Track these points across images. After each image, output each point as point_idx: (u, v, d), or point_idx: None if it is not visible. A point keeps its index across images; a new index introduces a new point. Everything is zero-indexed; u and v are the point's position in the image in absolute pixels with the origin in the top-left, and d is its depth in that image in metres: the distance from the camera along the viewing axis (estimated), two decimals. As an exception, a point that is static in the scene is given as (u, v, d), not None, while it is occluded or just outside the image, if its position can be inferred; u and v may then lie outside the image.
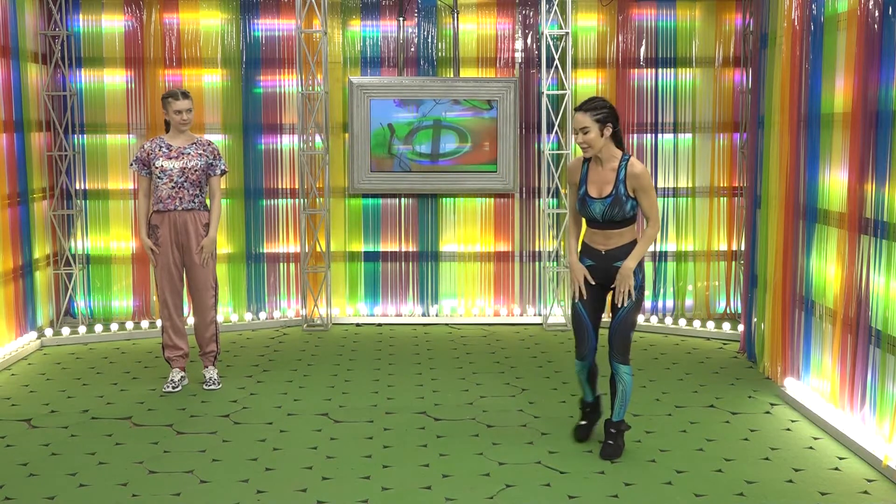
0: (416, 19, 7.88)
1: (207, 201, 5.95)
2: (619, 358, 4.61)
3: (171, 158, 5.78)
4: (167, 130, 5.89)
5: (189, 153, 5.82)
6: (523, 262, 8.07)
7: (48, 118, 7.56)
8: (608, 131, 4.51)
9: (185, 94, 5.82)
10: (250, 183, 7.91)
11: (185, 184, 5.77)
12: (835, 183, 5.26)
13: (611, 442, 4.66)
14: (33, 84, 7.32)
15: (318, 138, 7.82)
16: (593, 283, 4.65)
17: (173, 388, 5.81)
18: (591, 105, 4.52)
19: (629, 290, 4.52)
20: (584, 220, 4.73)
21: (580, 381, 4.85)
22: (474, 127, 7.80)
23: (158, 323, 7.52)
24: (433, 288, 8.12)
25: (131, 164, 5.89)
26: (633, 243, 4.59)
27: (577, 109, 4.56)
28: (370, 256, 8.10)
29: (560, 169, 7.75)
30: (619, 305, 4.57)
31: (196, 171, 5.80)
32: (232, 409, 5.50)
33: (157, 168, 5.76)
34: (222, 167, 5.94)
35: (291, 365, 6.56)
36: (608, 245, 4.59)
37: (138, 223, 5.91)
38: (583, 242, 4.75)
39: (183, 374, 5.92)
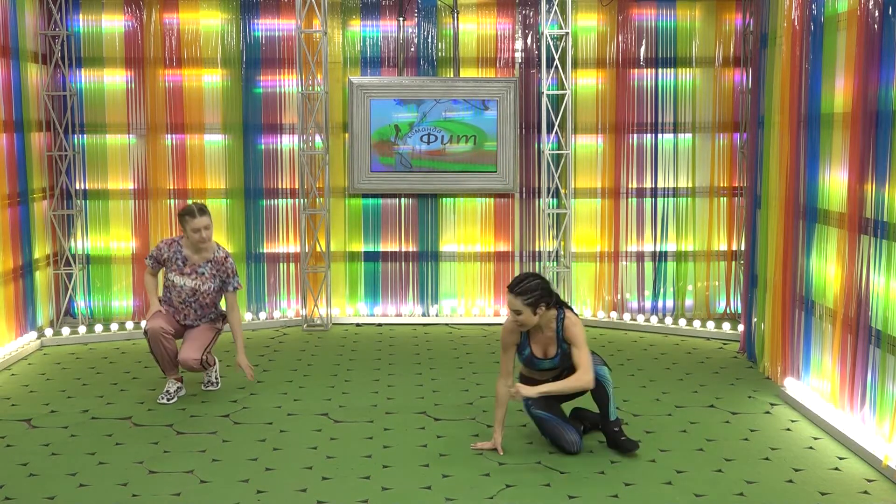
0: (416, 19, 7.88)
1: (223, 303, 5.86)
2: (596, 359, 4.71)
3: (184, 275, 5.65)
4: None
5: (204, 273, 5.67)
6: (523, 262, 8.06)
7: (48, 118, 7.56)
8: (541, 310, 4.59)
9: (203, 210, 5.59)
10: (250, 183, 7.91)
11: (193, 304, 5.69)
12: (835, 183, 5.26)
13: (624, 437, 4.69)
14: (33, 84, 7.32)
15: (318, 138, 7.82)
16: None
17: (168, 399, 5.62)
18: (522, 288, 4.55)
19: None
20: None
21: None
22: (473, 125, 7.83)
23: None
24: (433, 288, 8.12)
25: (147, 259, 5.79)
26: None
27: (509, 290, 4.60)
28: (370, 256, 8.10)
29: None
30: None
31: (209, 294, 5.69)
32: (232, 409, 5.50)
33: (168, 280, 5.67)
34: (235, 284, 5.76)
35: (291, 365, 6.56)
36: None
37: (147, 296, 5.78)
38: (529, 379, 4.84)
39: (179, 384, 5.72)
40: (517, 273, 8.04)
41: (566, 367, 4.72)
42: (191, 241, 5.63)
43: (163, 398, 5.63)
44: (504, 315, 8.05)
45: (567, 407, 4.99)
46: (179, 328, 5.73)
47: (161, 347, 5.58)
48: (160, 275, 5.87)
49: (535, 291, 4.55)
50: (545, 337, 4.71)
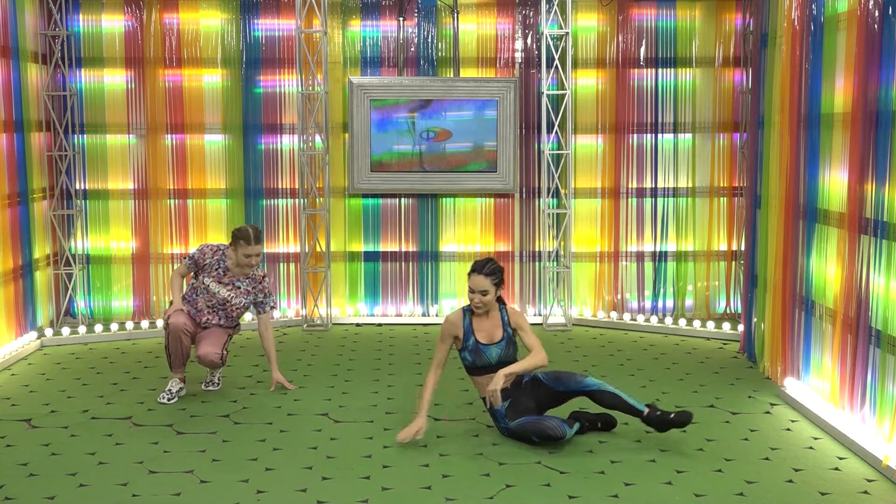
0: (416, 19, 7.88)
1: (242, 320, 5.92)
2: (580, 376, 4.90)
3: (221, 284, 5.69)
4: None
5: (240, 287, 5.72)
6: (523, 262, 8.07)
7: (48, 118, 7.56)
8: (500, 291, 4.92)
9: (258, 238, 5.62)
10: (250, 183, 7.91)
11: (220, 311, 5.73)
12: (835, 183, 5.26)
13: (673, 414, 4.75)
14: (33, 84, 7.32)
15: (318, 138, 7.83)
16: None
17: (169, 399, 5.61)
18: (488, 269, 4.86)
19: (498, 393, 4.73)
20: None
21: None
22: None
23: (159, 323, 7.54)
24: (433, 288, 8.12)
25: (184, 259, 5.80)
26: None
27: (474, 272, 4.85)
28: (370, 256, 8.10)
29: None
30: (491, 408, 4.88)
31: (237, 308, 5.75)
32: (232, 409, 5.50)
33: (201, 283, 5.70)
34: (271, 304, 5.85)
35: (291, 365, 6.55)
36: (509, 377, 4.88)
37: (172, 291, 5.78)
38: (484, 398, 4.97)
39: (182, 385, 5.71)
40: (517, 273, 8.05)
41: (509, 357, 4.89)
42: (237, 261, 5.67)
43: (163, 397, 5.63)
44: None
45: (562, 414, 5.02)
46: (195, 330, 5.74)
47: (179, 343, 5.60)
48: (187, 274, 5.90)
49: (499, 273, 4.89)
50: (490, 323, 4.92)
